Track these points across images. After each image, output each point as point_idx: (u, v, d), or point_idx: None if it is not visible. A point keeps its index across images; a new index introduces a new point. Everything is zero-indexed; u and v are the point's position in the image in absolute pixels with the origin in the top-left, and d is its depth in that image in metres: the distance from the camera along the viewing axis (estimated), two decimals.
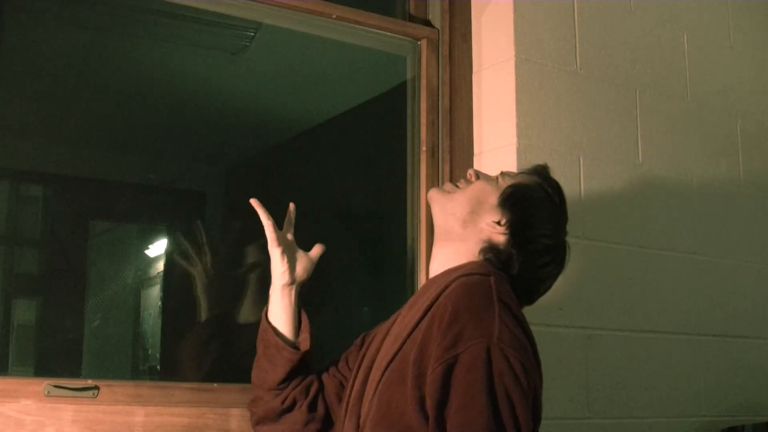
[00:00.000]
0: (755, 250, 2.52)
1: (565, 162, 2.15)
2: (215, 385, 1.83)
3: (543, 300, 2.04)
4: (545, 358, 2.01)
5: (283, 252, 1.67)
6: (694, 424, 2.27)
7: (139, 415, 1.73)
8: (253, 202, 1.66)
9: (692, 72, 2.46)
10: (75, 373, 1.92)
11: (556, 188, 1.66)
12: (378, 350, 1.53)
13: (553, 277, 1.63)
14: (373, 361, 1.51)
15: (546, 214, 1.60)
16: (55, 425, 1.66)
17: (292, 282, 1.68)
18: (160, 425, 1.75)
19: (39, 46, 2.11)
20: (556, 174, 2.13)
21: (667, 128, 2.38)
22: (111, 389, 1.73)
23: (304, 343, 1.66)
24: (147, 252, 2.22)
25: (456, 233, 1.58)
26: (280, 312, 1.67)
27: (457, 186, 1.64)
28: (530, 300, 1.63)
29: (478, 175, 1.64)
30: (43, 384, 1.67)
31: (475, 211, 1.58)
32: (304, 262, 1.70)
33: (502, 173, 1.66)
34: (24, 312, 2.04)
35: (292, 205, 1.74)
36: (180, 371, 2.03)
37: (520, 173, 1.68)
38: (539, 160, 2.10)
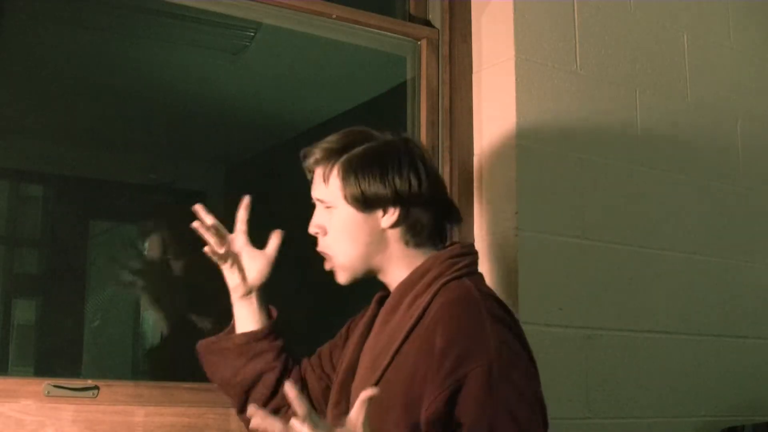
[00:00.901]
0: (755, 250, 2.52)
1: (565, 162, 2.15)
2: (215, 385, 1.83)
3: (543, 300, 2.04)
4: (545, 358, 2.01)
5: (232, 264, 1.58)
6: (694, 424, 2.27)
7: (139, 415, 1.73)
8: (197, 208, 1.57)
9: (692, 72, 2.46)
10: (75, 373, 1.92)
11: (356, 133, 1.54)
12: (351, 367, 1.51)
13: (440, 180, 1.56)
14: (344, 379, 1.50)
15: (383, 155, 1.49)
16: (55, 425, 1.66)
17: (249, 292, 1.61)
18: (160, 425, 1.75)
19: (39, 46, 2.11)
20: (557, 173, 2.14)
21: (667, 128, 2.37)
22: (111, 389, 1.73)
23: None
24: (146, 252, 2.22)
25: (378, 262, 1.51)
26: (245, 322, 1.62)
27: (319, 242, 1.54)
28: (458, 212, 1.59)
29: (317, 224, 1.53)
30: (43, 384, 1.67)
31: (364, 238, 1.49)
32: (259, 264, 1.60)
33: (314, 196, 1.54)
34: (24, 312, 2.04)
35: (246, 199, 1.61)
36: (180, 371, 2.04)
37: (315, 172, 1.54)
38: (539, 160, 2.10)
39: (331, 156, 1.50)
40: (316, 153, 1.51)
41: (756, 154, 2.58)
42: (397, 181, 1.46)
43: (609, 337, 2.14)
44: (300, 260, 2.19)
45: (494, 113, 2.15)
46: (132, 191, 2.24)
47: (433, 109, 2.18)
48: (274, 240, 1.62)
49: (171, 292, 2.13)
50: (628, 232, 2.23)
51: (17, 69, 2.02)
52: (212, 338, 1.64)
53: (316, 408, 1.54)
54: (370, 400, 1.21)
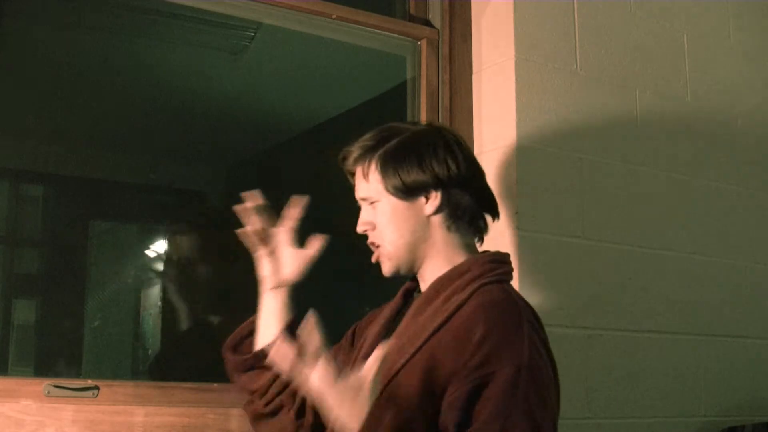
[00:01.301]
0: (755, 250, 2.52)
1: (565, 162, 2.15)
2: (215, 385, 1.83)
3: (543, 300, 2.04)
4: None
5: (271, 254, 1.61)
6: (694, 424, 2.27)
7: (139, 415, 1.73)
8: (247, 196, 1.58)
9: (692, 72, 2.46)
10: (75, 373, 1.92)
11: (389, 128, 1.56)
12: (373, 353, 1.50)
13: (480, 169, 1.59)
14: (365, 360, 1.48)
15: (418, 143, 1.52)
16: (55, 425, 1.66)
17: (280, 286, 1.63)
18: (160, 425, 1.75)
19: (39, 46, 2.11)
20: (557, 173, 2.14)
21: (667, 128, 2.37)
22: (111, 389, 1.73)
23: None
24: (147, 252, 2.22)
25: (423, 251, 1.53)
26: (267, 316, 1.63)
27: (367, 235, 1.56)
28: (496, 204, 1.61)
29: (365, 221, 1.55)
30: (43, 384, 1.67)
31: (409, 227, 1.51)
32: (297, 262, 1.62)
33: (358, 196, 1.56)
34: (24, 312, 2.04)
35: (299, 200, 1.63)
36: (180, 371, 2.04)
37: (354, 170, 1.57)
38: (539, 160, 2.10)
39: (367, 153, 1.53)
40: (354, 153, 1.55)
41: (756, 154, 2.58)
42: (435, 165, 1.50)
43: (609, 337, 2.14)
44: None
45: (494, 113, 2.15)
46: (132, 191, 2.24)
47: (433, 109, 2.18)
48: (317, 242, 1.64)
49: (177, 292, 2.13)
50: (628, 232, 2.23)
51: (17, 69, 2.02)
52: (240, 357, 1.64)
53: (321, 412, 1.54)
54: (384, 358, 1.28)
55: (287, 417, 1.59)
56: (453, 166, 1.50)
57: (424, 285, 1.55)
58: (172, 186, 2.30)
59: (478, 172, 1.57)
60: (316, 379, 1.29)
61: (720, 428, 2.25)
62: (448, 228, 1.53)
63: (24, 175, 2.11)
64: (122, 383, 1.77)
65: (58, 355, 2.03)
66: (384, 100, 2.42)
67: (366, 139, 1.55)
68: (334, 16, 2.10)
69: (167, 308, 2.12)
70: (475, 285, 1.46)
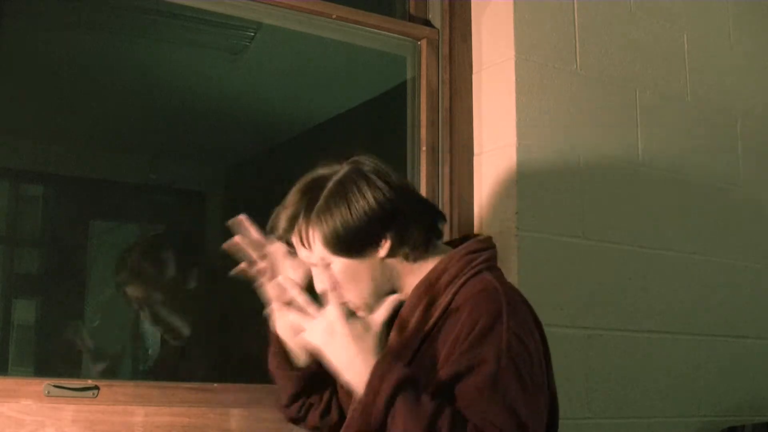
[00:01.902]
0: (755, 250, 2.52)
1: (565, 162, 2.15)
2: (215, 385, 1.83)
3: (543, 300, 2.04)
4: None
5: (271, 277, 1.56)
6: (694, 424, 2.27)
7: (139, 415, 1.73)
8: (242, 220, 1.55)
9: (692, 72, 2.46)
10: (75, 373, 1.92)
11: (316, 180, 1.50)
12: None
13: (407, 185, 1.55)
14: None
15: (348, 192, 1.46)
16: (55, 425, 1.66)
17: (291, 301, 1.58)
18: (160, 425, 1.75)
19: (39, 46, 2.11)
20: (557, 173, 2.14)
21: (667, 128, 2.37)
22: (111, 389, 1.73)
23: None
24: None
25: (393, 285, 1.49)
26: (288, 334, 1.58)
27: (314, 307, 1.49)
28: (439, 217, 1.55)
29: (328, 291, 1.48)
30: (43, 384, 1.67)
31: (371, 279, 1.47)
32: (300, 272, 1.58)
33: (307, 261, 1.51)
34: (24, 312, 2.04)
35: (241, 219, 1.57)
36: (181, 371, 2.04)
37: (300, 233, 1.49)
38: (539, 160, 2.10)
39: (296, 221, 1.47)
40: (282, 224, 1.49)
41: (756, 154, 2.58)
42: (368, 208, 1.44)
43: (609, 337, 2.14)
44: None
45: (494, 113, 2.15)
46: (132, 191, 2.25)
47: (433, 109, 2.18)
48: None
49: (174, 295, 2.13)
50: (628, 232, 2.23)
51: (17, 69, 2.02)
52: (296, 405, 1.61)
53: (346, 409, 1.56)
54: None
55: (312, 418, 1.60)
56: (383, 201, 1.44)
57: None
58: (172, 186, 2.30)
59: (408, 192, 1.52)
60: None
61: (720, 428, 2.25)
62: (409, 259, 1.48)
63: (24, 175, 2.11)
64: (122, 383, 1.77)
65: (58, 355, 2.03)
66: (384, 100, 2.42)
67: (289, 205, 1.49)
68: (334, 16, 2.10)
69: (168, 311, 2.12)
70: (455, 287, 1.44)
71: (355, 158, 1.52)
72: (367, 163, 1.51)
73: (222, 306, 2.18)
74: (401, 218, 1.46)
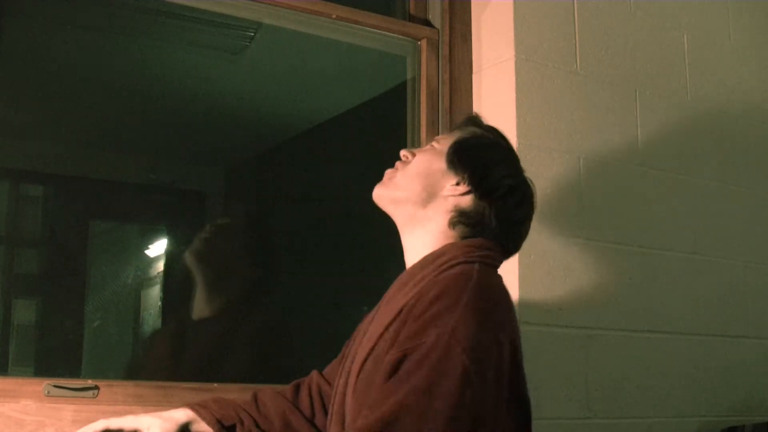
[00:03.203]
0: (755, 250, 2.52)
1: (565, 162, 2.15)
2: (215, 385, 1.83)
3: (543, 300, 2.04)
4: (545, 358, 2.01)
5: None
6: (694, 424, 2.27)
7: (139, 414, 1.72)
8: None
9: (692, 72, 2.46)
10: (75, 373, 1.92)
11: (498, 132, 1.62)
12: (356, 350, 1.47)
13: (529, 218, 1.57)
14: (352, 362, 1.46)
15: (498, 156, 1.55)
16: (55, 425, 1.66)
17: None
18: None
19: (39, 46, 2.11)
20: (557, 173, 2.14)
21: (667, 128, 2.37)
22: (111, 389, 1.73)
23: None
24: (147, 252, 2.21)
25: (419, 216, 1.51)
26: None
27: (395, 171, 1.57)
28: (515, 247, 1.57)
29: (413, 152, 1.57)
30: (43, 384, 1.67)
31: (428, 185, 1.50)
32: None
33: (436, 139, 1.60)
34: (24, 312, 2.04)
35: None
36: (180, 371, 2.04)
37: (454, 131, 1.62)
38: (539, 160, 2.10)
39: (464, 127, 1.59)
40: (473, 121, 1.62)
41: (756, 154, 2.58)
42: (487, 173, 1.49)
43: (609, 337, 2.14)
44: (298, 265, 2.19)
45: (494, 113, 2.15)
46: (132, 191, 2.24)
47: (433, 109, 2.18)
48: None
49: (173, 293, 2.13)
50: (628, 232, 2.23)
51: (17, 69, 2.02)
52: None
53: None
54: None
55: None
56: (499, 188, 1.49)
57: (408, 263, 1.53)
58: (172, 186, 2.30)
59: (521, 210, 1.54)
60: None
61: (720, 428, 2.25)
62: (451, 222, 1.49)
63: (24, 175, 2.11)
64: (122, 383, 1.77)
65: (58, 355, 2.02)
66: (384, 100, 2.42)
67: (477, 121, 1.63)
68: (334, 16, 2.10)
69: (167, 308, 2.12)
70: (445, 266, 1.42)
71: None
72: (528, 183, 1.58)
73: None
74: (493, 203, 1.49)
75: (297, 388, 1.67)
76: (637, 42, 2.35)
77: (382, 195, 1.55)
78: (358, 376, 1.39)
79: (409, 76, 2.25)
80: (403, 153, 1.58)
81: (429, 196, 1.50)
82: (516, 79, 2.10)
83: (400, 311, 1.38)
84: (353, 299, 2.33)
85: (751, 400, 2.40)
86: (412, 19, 2.25)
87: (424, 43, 2.22)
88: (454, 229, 1.49)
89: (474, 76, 2.23)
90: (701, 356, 2.32)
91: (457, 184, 1.49)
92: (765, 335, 2.48)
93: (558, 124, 2.16)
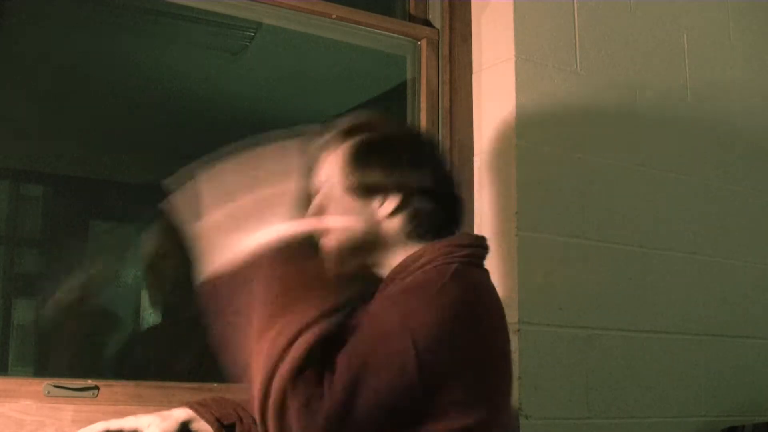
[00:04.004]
0: (755, 250, 2.52)
1: (565, 162, 2.15)
2: (215, 384, 1.83)
3: (543, 300, 2.04)
4: (545, 358, 2.01)
5: None
6: (694, 424, 2.27)
7: (139, 414, 1.72)
8: None
9: (692, 72, 2.46)
10: (75, 373, 1.92)
11: (368, 121, 1.50)
12: None
13: (451, 171, 1.52)
14: None
15: (390, 143, 1.46)
16: (55, 425, 1.66)
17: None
18: None
19: (39, 46, 2.11)
20: (556, 173, 2.14)
21: (667, 128, 2.37)
22: (111, 389, 1.73)
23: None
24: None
25: (378, 254, 1.45)
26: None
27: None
28: (460, 217, 1.51)
29: (314, 215, 1.46)
30: (43, 384, 1.67)
31: (359, 228, 1.44)
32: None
33: (316, 183, 1.48)
34: (24, 312, 2.04)
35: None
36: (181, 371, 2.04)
37: (327, 154, 1.49)
38: (539, 160, 2.10)
39: (336, 141, 1.48)
40: (324, 138, 1.49)
41: (756, 154, 2.58)
42: (400, 169, 1.43)
43: (609, 337, 2.14)
44: None
45: (494, 113, 2.15)
46: (132, 191, 2.24)
47: (433, 109, 2.18)
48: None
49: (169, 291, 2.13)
50: (628, 232, 2.23)
51: (17, 69, 2.02)
52: None
53: None
54: None
55: None
56: (418, 175, 1.43)
57: None
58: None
59: (447, 183, 1.49)
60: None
61: (720, 428, 2.25)
62: (407, 234, 1.44)
63: (24, 175, 2.11)
64: (122, 383, 1.76)
65: (58, 355, 2.02)
66: (384, 100, 2.42)
67: (340, 125, 1.48)
68: (334, 16, 2.10)
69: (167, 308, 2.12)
70: (428, 266, 1.38)
71: (419, 131, 1.53)
72: (427, 139, 1.52)
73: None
74: (421, 192, 1.44)
75: None
76: (637, 42, 2.35)
77: (343, 271, 1.47)
78: None
79: (409, 76, 2.25)
80: (310, 214, 1.47)
81: (373, 235, 1.45)
82: (516, 79, 2.10)
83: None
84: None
85: (751, 400, 2.40)
86: (412, 19, 2.25)
87: (424, 43, 2.22)
88: (413, 238, 1.45)
89: (474, 76, 2.23)
90: (701, 356, 2.32)
91: (383, 202, 1.43)
92: (765, 335, 2.48)
93: (558, 124, 2.16)
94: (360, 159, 1.44)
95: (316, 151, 1.49)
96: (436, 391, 1.26)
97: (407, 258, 1.43)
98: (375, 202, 1.44)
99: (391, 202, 1.43)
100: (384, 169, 1.43)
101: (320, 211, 1.47)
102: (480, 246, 1.49)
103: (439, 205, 1.47)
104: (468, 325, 1.32)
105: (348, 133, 1.47)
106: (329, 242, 1.46)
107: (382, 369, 1.21)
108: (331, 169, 1.47)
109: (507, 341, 1.45)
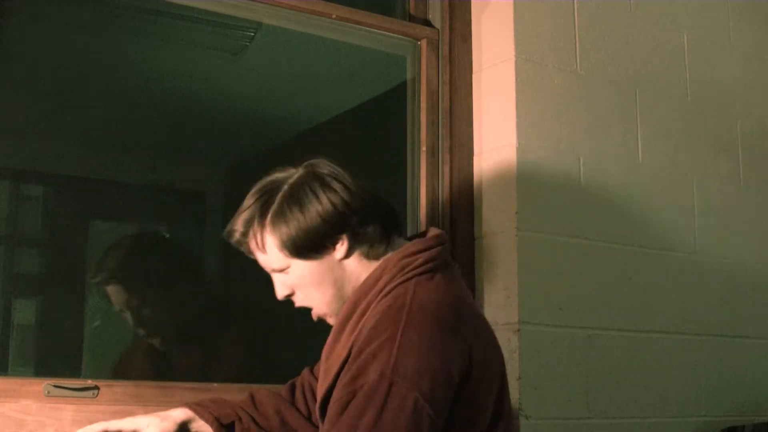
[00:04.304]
0: (755, 250, 2.52)
1: (565, 162, 2.15)
2: (215, 384, 1.83)
3: (543, 300, 2.04)
4: (545, 358, 2.01)
5: None
6: (694, 424, 2.27)
7: (139, 414, 1.72)
8: None
9: (692, 72, 2.46)
10: (75, 373, 1.92)
11: (269, 185, 1.52)
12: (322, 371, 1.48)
13: (367, 186, 1.53)
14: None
15: (302, 193, 1.47)
16: (55, 425, 1.66)
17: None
18: None
19: (39, 46, 2.11)
20: (556, 173, 2.14)
21: (667, 128, 2.37)
22: (111, 389, 1.73)
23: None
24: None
25: (351, 287, 1.49)
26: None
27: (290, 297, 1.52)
28: (398, 219, 1.55)
29: (287, 293, 1.51)
30: (43, 384, 1.67)
31: (329, 280, 1.47)
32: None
33: (267, 266, 1.51)
34: (24, 312, 2.04)
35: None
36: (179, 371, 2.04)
37: (256, 240, 1.50)
38: (539, 160, 2.10)
39: (252, 226, 1.48)
40: (238, 229, 1.49)
41: (756, 154, 2.58)
42: (321, 210, 1.44)
43: (609, 337, 2.14)
44: None
45: (494, 113, 2.15)
46: (132, 191, 2.24)
47: (433, 109, 2.18)
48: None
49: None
50: (628, 232, 2.23)
51: (17, 69, 2.02)
52: None
53: None
54: None
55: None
56: (339, 202, 1.45)
57: None
58: (172, 186, 2.30)
59: (364, 192, 1.51)
60: None
61: (720, 428, 2.25)
62: (367, 257, 1.48)
63: (24, 175, 2.10)
64: (122, 383, 1.77)
65: (58, 355, 2.02)
66: (384, 100, 2.42)
67: (244, 208, 1.49)
68: (334, 16, 2.10)
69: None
70: (385, 291, 1.41)
71: (310, 162, 1.51)
72: (322, 166, 1.50)
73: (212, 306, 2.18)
74: (356, 218, 1.45)
75: (292, 388, 1.68)
76: (637, 42, 2.35)
77: (333, 320, 1.51)
78: (322, 413, 1.39)
79: (409, 76, 2.25)
80: (281, 297, 1.52)
81: (341, 275, 1.48)
82: (516, 79, 2.10)
83: (350, 351, 1.38)
84: None
85: (751, 400, 2.40)
86: (412, 19, 2.25)
87: (424, 43, 2.22)
88: (371, 257, 1.48)
89: (474, 76, 2.23)
90: (701, 356, 2.32)
91: (333, 246, 1.46)
92: (765, 335, 2.48)
93: (558, 124, 2.16)
94: (288, 226, 1.44)
95: (240, 241, 1.50)
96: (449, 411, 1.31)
97: (366, 280, 1.46)
98: (328, 253, 1.46)
99: (342, 245, 1.46)
100: (311, 220, 1.44)
101: (289, 287, 1.50)
102: (432, 247, 1.49)
103: (378, 221, 1.49)
104: (451, 342, 1.35)
105: (258, 216, 1.47)
106: (318, 307, 1.50)
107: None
108: (272, 252, 1.47)
109: (491, 336, 1.48)
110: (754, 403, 2.40)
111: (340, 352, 1.41)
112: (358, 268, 1.48)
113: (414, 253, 1.46)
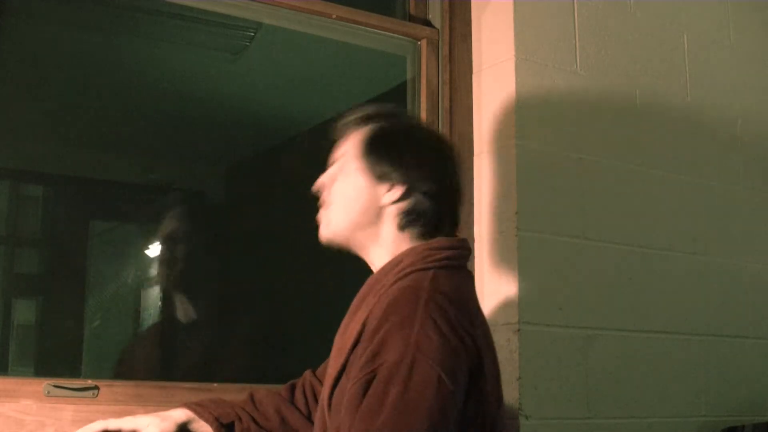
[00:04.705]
0: (755, 250, 2.52)
1: (565, 162, 2.15)
2: (215, 384, 1.83)
3: (543, 300, 2.04)
4: (545, 358, 2.01)
5: None
6: (694, 424, 2.27)
7: (139, 415, 1.72)
8: None
9: (692, 72, 2.46)
10: (75, 373, 1.92)
11: (394, 112, 1.59)
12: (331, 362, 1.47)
13: (459, 178, 1.56)
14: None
15: (411, 138, 1.53)
16: (55, 425, 1.66)
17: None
18: None
19: (39, 46, 2.11)
20: (557, 173, 2.14)
21: (667, 128, 2.37)
22: (111, 389, 1.73)
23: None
24: (147, 252, 2.22)
25: (370, 236, 1.50)
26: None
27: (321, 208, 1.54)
28: (457, 220, 1.56)
29: (325, 184, 1.54)
30: (43, 384, 1.67)
31: (364, 207, 1.49)
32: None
33: (335, 156, 1.56)
34: (24, 312, 2.04)
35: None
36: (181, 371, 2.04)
37: (351, 133, 1.56)
38: (539, 160, 2.10)
39: (361, 122, 1.54)
40: (352, 117, 1.55)
41: (756, 154, 2.58)
42: (415, 164, 1.48)
43: (609, 337, 2.14)
44: (297, 265, 2.19)
45: (494, 113, 2.15)
46: (132, 191, 2.24)
47: (433, 109, 2.18)
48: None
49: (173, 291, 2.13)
50: (628, 232, 2.23)
51: (17, 69, 2.02)
52: None
53: None
54: None
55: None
56: (429, 175, 1.48)
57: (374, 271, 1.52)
58: (172, 186, 2.30)
59: (453, 190, 1.53)
60: None
61: (720, 428, 2.25)
62: (400, 226, 1.49)
63: (24, 175, 2.11)
64: (122, 383, 1.77)
65: (58, 355, 2.02)
66: (384, 100, 2.42)
67: (369, 109, 1.55)
68: (334, 16, 2.10)
69: (167, 308, 2.12)
70: (401, 276, 1.41)
71: (443, 135, 1.63)
72: (447, 144, 1.58)
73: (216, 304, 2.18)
74: (427, 192, 1.48)
75: (292, 388, 1.69)
76: (637, 42, 2.35)
77: (331, 237, 1.53)
78: (331, 394, 1.39)
79: (409, 76, 2.25)
80: (318, 184, 1.55)
81: (371, 215, 1.49)
82: (516, 79, 2.10)
83: (363, 327, 1.37)
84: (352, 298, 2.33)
85: (751, 400, 2.40)
86: (412, 19, 2.25)
87: (424, 43, 2.22)
88: (405, 231, 1.49)
89: (474, 76, 2.23)
90: (701, 356, 2.32)
91: (390, 189, 1.48)
92: (765, 335, 2.48)
93: (558, 124, 2.16)
94: (378, 144, 1.50)
95: (341, 127, 1.56)
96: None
97: (389, 262, 1.47)
98: (381, 188, 1.49)
99: (396, 192, 1.48)
100: (398, 160, 1.49)
101: (331, 180, 1.54)
102: (460, 248, 1.51)
103: (438, 206, 1.50)
104: (465, 330, 1.34)
105: (373, 118, 1.54)
106: (328, 207, 1.53)
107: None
108: (350, 146, 1.53)
109: (487, 333, 1.47)
110: (754, 403, 2.40)
111: (354, 327, 1.40)
112: (386, 227, 1.49)
113: (440, 248, 1.47)
